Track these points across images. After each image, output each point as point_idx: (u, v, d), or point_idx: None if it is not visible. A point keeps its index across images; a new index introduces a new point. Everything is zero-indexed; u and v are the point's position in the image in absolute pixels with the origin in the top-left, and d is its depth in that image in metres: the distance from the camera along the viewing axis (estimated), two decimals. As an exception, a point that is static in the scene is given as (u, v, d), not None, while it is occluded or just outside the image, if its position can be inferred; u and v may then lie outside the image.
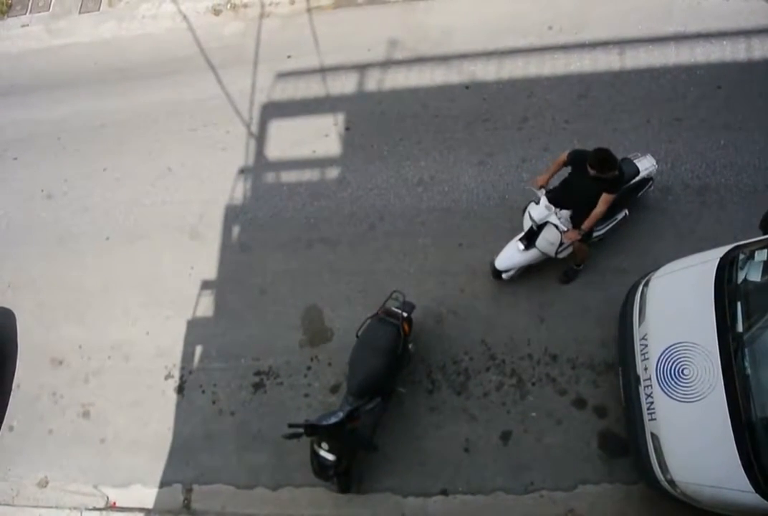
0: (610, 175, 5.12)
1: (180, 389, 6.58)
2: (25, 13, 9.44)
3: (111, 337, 6.97)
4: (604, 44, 7.11)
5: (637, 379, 4.90)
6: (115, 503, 6.33)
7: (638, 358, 4.95)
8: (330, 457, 5.15)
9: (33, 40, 9.23)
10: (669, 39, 6.99)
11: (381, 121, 7.32)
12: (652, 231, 6.22)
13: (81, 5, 9.24)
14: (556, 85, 7.05)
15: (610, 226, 5.95)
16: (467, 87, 7.25)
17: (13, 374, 7.08)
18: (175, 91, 8.12)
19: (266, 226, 7.02)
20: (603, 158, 5.01)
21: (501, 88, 7.17)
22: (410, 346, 5.79)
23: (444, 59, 7.43)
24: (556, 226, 5.49)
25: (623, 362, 5.22)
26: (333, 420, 4.91)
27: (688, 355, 4.58)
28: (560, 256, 5.89)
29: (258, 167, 7.41)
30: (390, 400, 5.63)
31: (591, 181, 5.23)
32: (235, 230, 7.13)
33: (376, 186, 7.00)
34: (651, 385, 4.70)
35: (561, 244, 5.64)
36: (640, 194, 6.05)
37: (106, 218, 7.59)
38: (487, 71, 7.27)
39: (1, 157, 8.37)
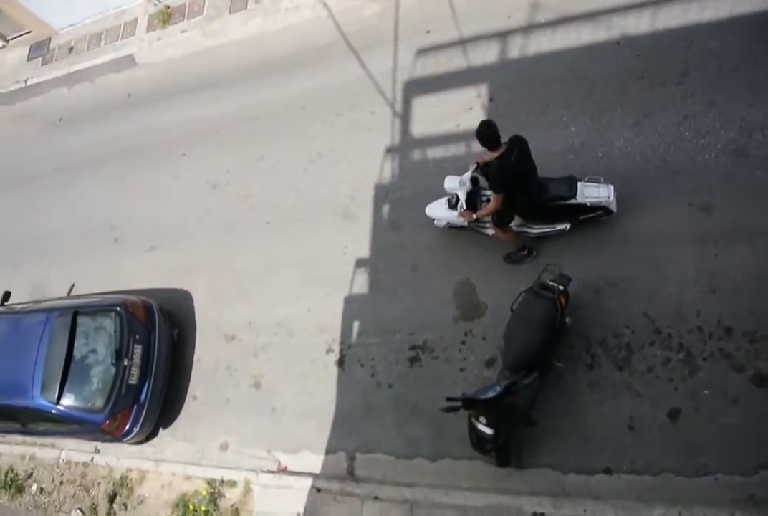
0: (490, 158, 5.48)
1: (340, 363, 6.90)
2: (183, 20, 10.21)
3: (276, 314, 7.45)
4: (779, -22, 6.29)
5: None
6: (286, 467, 6.80)
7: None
8: (488, 431, 5.14)
9: (191, 44, 9.98)
10: None
11: (525, 88, 7.07)
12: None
13: (230, 5, 9.80)
14: (720, 30, 6.38)
15: (545, 231, 6.18)
16: (618, 43, 6.78)
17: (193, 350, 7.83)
18: (320, 77, 8.41)
19: (415, 204, 7.07)
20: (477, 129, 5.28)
21: (656, 40, 6.62)
22: (567, 319, 5.60)
23: (591, 16, 7.00)
24: (460, 202, 6.06)
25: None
26: (490, 394, 4.89)
27: None
28: (484, 231, 6.33)
29: (404, 145, 7.49)
30: (547, 375, 5.52)
31: None
32: (385, 209, 7.28)
33: (523, 156, 6.78)
34: None
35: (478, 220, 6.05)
36: (584, 217, 5.96)
37: (265, 204, 8.08)
38: (639, 24, 6.75)
39: (172, 154, 9.19)
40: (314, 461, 6.67)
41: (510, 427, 5.27)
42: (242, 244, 7.97)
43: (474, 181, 6.08)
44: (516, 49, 7.28)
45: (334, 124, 8.02)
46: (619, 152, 6.36)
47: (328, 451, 6.64)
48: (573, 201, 5.77)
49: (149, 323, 7.46)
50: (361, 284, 7.08)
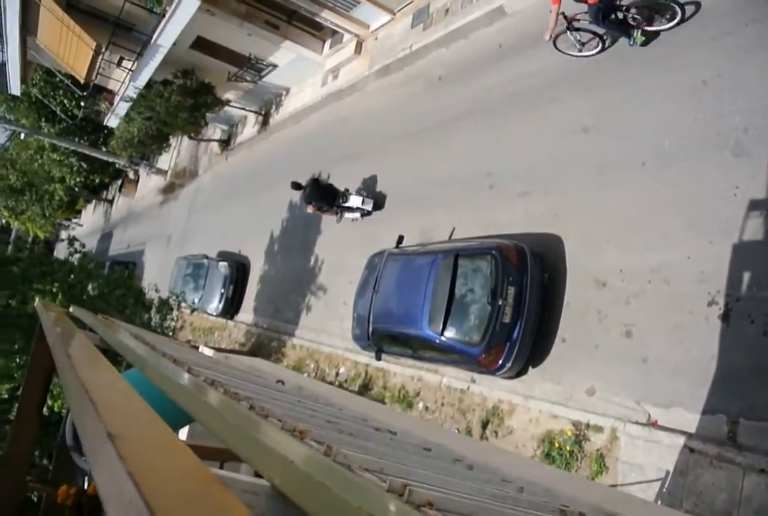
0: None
1: (725, 317, 6.21)
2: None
3: (651, 260, 7.02)
4: None
5: None
6: (656, 421, 6.52)
7: None
8: None
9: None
10: None
11: None
12: None
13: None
14: None
15: (351, 217, 12.42)
16: None
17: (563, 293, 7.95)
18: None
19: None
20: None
21: None
22: None
23: None
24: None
25: None
26: None
27: None
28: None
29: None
30: None
31: None
32: (791, 141, 6.12)
33: None
34: None
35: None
36: (359, 214, 12.20)
37: (641, 145, 7.53)
38: None
39: (542, 100, 9.19)
40: (688, 420, 6.24)
41: None
42: (615, 188, 7.64)
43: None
44: None
45: (724, 45, 6.92)
46: None
47: (705, 411, 6.12)
48: (347, 204, 11.83)
49: (521, 266, 7.80)
50: (754, 230, 6.15)
